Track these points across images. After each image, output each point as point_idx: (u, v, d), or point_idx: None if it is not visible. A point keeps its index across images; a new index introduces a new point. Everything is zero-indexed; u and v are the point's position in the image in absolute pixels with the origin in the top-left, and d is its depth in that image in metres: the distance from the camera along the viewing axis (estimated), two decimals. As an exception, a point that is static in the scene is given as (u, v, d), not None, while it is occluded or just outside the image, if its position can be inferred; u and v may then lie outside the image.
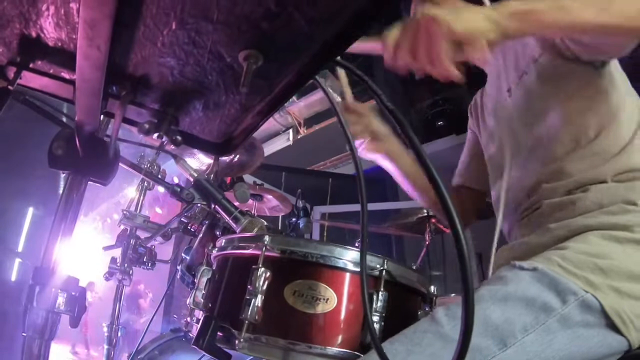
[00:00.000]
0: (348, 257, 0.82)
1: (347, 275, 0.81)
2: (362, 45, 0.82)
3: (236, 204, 1.17)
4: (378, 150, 1.19)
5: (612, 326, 0.69)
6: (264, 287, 0.80)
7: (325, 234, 4.21)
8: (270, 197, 2.56)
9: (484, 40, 0.71)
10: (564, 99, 0.92)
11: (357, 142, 1.17)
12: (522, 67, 1.02)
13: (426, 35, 0.71)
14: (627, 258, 0.74)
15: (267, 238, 0.83)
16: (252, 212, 1.97)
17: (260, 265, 0.81)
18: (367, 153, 1.19)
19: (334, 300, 0.79)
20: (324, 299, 0.78)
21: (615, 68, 0.92)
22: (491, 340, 0.67)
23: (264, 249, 0.82)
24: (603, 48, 0.85)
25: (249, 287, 0.80)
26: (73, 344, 7.51)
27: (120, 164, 0.70)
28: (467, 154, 1.31)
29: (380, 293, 0.81)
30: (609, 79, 0.90)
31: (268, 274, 0.80)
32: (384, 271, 0.82)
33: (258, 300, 0.79)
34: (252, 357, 0.89)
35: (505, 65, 1.09)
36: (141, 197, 1.59)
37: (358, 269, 0.81)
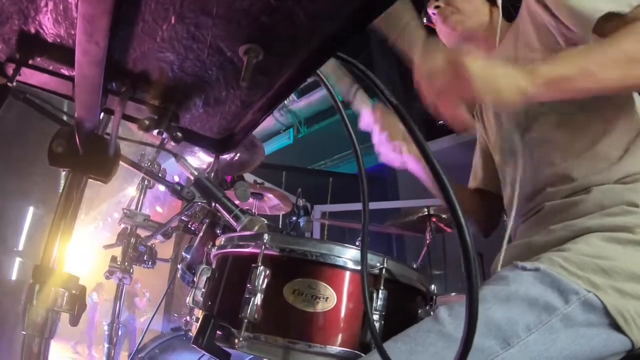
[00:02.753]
0: (348, 255, 0.81)
1: (347, 273, 0.81)
2: (400, 42, 0.82)
3: (237, 202, 1.17)
4: (411, 152, 1.11)
5: (615, 326, 0.69)
6: (264, 285, 0.79)
7: (325, 233, 4.21)
8: (270, 195, 2.56)
9: (501, 102, 0.71)
10: (566, 103, 0.92)
11: (387, 144, 1.10)
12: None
13: (450, 82, 0.71)
14: (629, 260, 0.74)
15: (266, 236, 0.83)
16: (253, 211, 1.98)
17: (259, 264, 0.80)
18: (401, 155, 1.10)
19: (334, 299, 0.79)
20: (323, 298, 0.78)
21: None
22: (494, 340, 0.66)
23: (263, 247, 0.82)
24: None
25: (248, 285, 0.80)
26: (75, 343, 7.54)
27: (120, 162, 0.70)
28: (479, 156, 1.27)
29: (380, 291, 0.81)
30: None
31: (267, 272, 0.80)
32: (383, 269, 0.82)
33: (257, 299, 0.78)
34: (251, 356, 0.89)
35: None
36: (142, 196, 1.59)
37: (358, 268, 0.81)
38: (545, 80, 0.72)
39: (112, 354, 1.45)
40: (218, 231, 1.35)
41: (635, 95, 0.93)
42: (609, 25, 0.79)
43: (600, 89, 0.76)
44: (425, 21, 1.15)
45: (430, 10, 1.14)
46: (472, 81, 0.69)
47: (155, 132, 0.52)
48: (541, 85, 0.72)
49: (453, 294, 2.22)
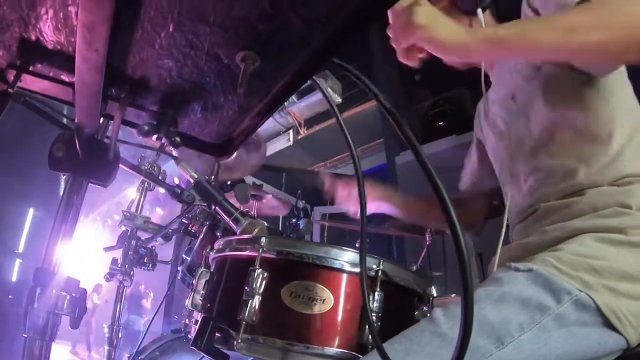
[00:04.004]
0: (344, 258, 0.82)
1: (344, 276, 0.82)
2: None
3: (237, 204, 1.17)
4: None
5: (609, 324, 0.70)
6: (261, 288, 0.80)
7: (325, 235, 4.21)
8: (270, 197, 2.56)
9: (440, 49, 0.79)
10: (562, 106, 0.93)
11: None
12: (526, 74, 1.03)
13: (401, 26, 0.80)
14: (622, 260, 0.74)
15: (264, 240, 0.84)
16: (253, 213, 1.98)
17: (257, 267, 0.81)
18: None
19: (331, 301, 0.79)
20: (320, 300, 0.79)
21: (616, 74, 0.92)
22: (488, 340, 0.67)
23: (260, 250, 0.83)
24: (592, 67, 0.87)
25: (246, 288, 0.80)
26: (74, 344, 7.53)
27: (120, 165, 0.70)
28: (475, 160, 1.31)
29: (377, 293, 0.81)
30: (609, 87, 0.91)
31: (265, 275, 0.81)
32: (380, 271, 0.83)
33: (255, 301, 0.79)
34: (250, 357, 0.89)
35: (511, 72, 1.09)
36: (142, 198, 1.59)
37: (354, 270, 0.81)
38: (485, 37, 0.78)
39: (113, 356, 1.45)
40: (218, 234, 1.35)
41: (633, 94, 0.94)
42: None
43: (537, 50, 0.79)
44: None
45: None
46: (416, 26, 0.77)
47: (154, 137, 0.53)
48: (480, 41, 0.77)
49: (453, 295, 2.22)
